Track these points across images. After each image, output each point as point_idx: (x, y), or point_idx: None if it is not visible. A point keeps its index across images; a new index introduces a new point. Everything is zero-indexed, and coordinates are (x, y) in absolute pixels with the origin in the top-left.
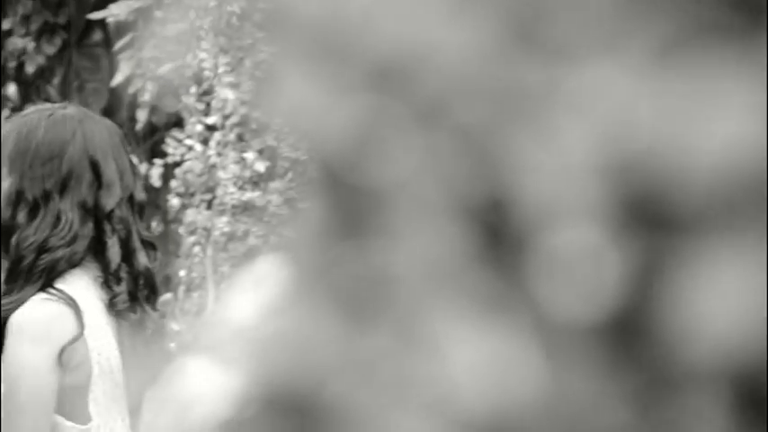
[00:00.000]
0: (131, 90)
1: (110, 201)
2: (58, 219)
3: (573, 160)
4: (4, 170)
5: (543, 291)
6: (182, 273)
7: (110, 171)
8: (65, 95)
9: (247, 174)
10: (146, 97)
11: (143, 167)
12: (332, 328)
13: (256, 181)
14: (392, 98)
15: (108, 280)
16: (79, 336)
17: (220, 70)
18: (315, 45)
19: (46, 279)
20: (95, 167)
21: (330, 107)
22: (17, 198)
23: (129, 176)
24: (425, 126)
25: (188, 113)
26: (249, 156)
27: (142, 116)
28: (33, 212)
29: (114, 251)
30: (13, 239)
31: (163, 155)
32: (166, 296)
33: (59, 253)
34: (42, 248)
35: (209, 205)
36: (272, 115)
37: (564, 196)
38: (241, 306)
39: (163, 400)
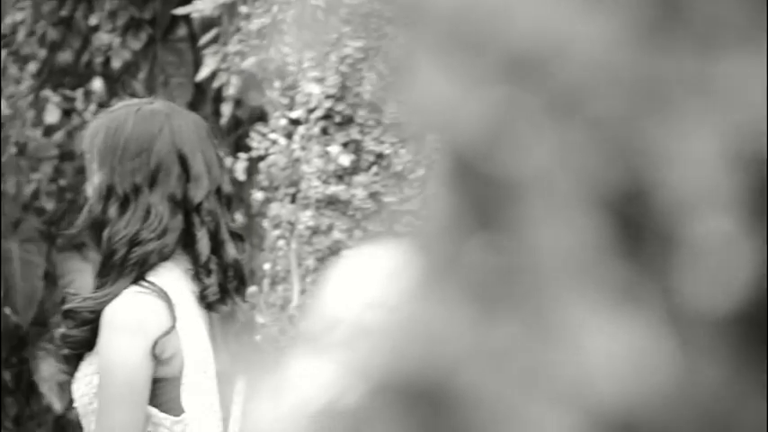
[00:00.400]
0: (216, 84)
1: (198, 193)
2: (148, 212)
3: (709, 151)
4: (95, 165)
5: (678, 281)
6: (266, 266)
7: (197, 164)
8: (150, 90)
9: (331, 167)
10: (230, 91)
11: (228, 161)
12: (463, 317)
13: (340, 175)
14: (526, 89)
15: (198, 272)
16: (172, 328)
17: (305, 65)
18: (449, 37)
19: (138, 272)
20: (183, 161)
21: (464, 99)
22: (108, 193)
23: (216, 169)
24: (560, 117)
25: (272, 108)
26: (333, 149)
27: (227, 110)
28: (124, 207)
29: (204, 243)
30: (105, 234)
31: (247, 149)
32: (252, 289)
33: (150, 246)
34: (134, 242)
35: (293, 199)
36: (406, 107)
37: (699, 187)
38: (344, 297)
39: (269, 390)
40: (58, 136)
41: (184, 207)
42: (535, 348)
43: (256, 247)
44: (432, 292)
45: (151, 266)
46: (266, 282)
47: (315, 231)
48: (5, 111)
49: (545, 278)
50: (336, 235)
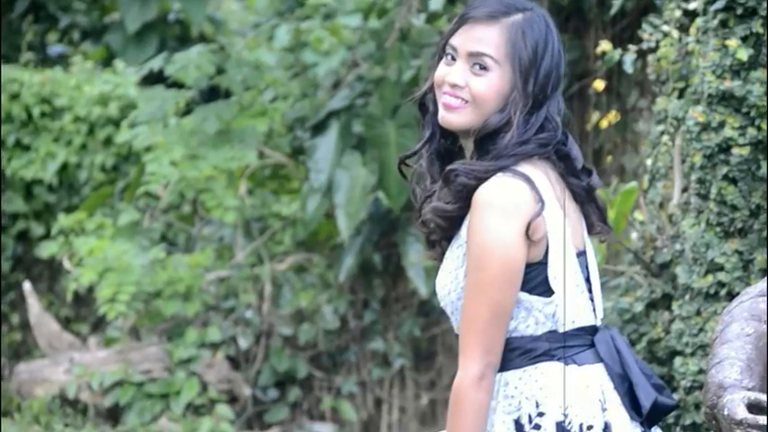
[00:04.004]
0: None
1: (563, 106)
2: (546, 120)
3: None
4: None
5: None
6: (648, 161)
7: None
8: None
9: (728, 62)
10: None
11: (616, 54)
12: None
13: (737, 69)
14: None
15: (572, 174)
16: (541, 211)
17: None
18: None
19: (514, 161)
20: (559, 74)
21: None
22: (512, 95)
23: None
24: None
25: None
26: (731, 43)
27: (617, 1)
28: (528, 113)
29: (576, 150)
30: (504, 137)
31: (631, 41)
32: (631, 184)
33: (530, 146)
34: (522, 143)
35: (681, 94)
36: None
37: None
38: None
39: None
40: (441, 23)
41: (561, 118)
42: None
43: (629, 142)
44: None
45: (523, 159)
46: (646, 178)
47: (704, 128)
48: None
49: None
50: (728, 132)
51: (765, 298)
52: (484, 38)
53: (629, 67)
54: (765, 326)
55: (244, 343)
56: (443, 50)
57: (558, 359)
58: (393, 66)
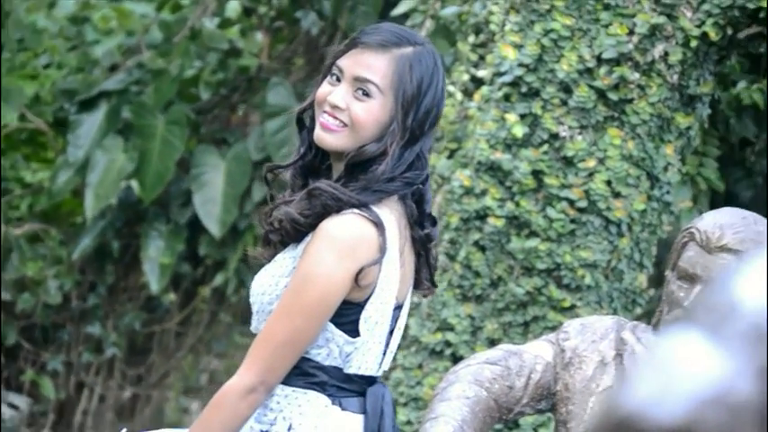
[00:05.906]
0: (409, 23)
1: (432, 146)
2: (418, 157)
3: None
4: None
5: None
6: None
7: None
8: (336, 11)
9: (503, 135)
10: (422, 33)
11: None
12: None
13: (510, 144)
14: None
15: (419, 220)
16: (379, 260)
17: (507, 27)
18: None
19: (377, 198)
20: (438, 112)
21: None
22: (390, 128)
23: None
24: None
25: (458, 61)
26: (510, 117)
27: None
28: (403, 146)
29: (429, 194)
30: (378, 168)
31: None
32: None
33: (396, 184)
34: (392, 179)
35: (452, 154)
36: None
37: None
38: (754, 293)
39: (650, 360)
40: (232, 32)
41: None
42: None
43: None
44: None
45: (384, 197)
46: None
47: (467, 192)
48: None
49: None
50: (488, 201)
51: (491, 366)
52: (372, 65)
53: None
54: (485, 392)
55: None
56: (329, 70)
57: (328, 395)
58: (176, 61)
